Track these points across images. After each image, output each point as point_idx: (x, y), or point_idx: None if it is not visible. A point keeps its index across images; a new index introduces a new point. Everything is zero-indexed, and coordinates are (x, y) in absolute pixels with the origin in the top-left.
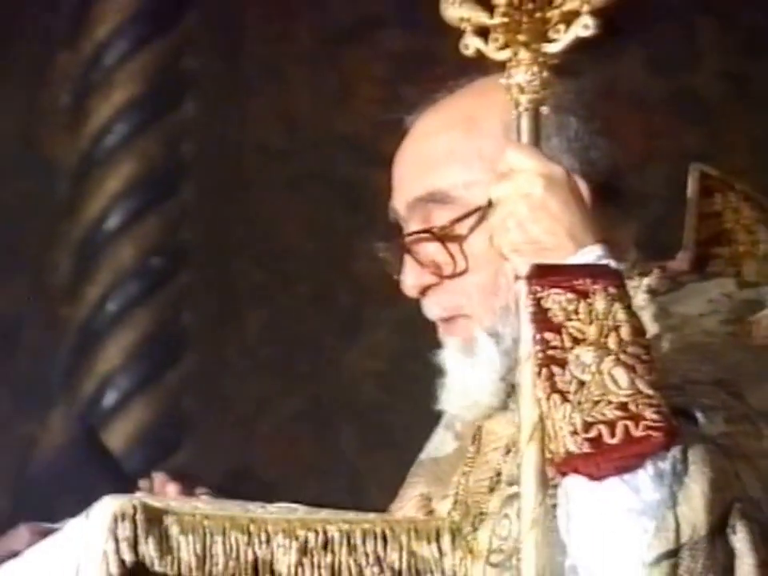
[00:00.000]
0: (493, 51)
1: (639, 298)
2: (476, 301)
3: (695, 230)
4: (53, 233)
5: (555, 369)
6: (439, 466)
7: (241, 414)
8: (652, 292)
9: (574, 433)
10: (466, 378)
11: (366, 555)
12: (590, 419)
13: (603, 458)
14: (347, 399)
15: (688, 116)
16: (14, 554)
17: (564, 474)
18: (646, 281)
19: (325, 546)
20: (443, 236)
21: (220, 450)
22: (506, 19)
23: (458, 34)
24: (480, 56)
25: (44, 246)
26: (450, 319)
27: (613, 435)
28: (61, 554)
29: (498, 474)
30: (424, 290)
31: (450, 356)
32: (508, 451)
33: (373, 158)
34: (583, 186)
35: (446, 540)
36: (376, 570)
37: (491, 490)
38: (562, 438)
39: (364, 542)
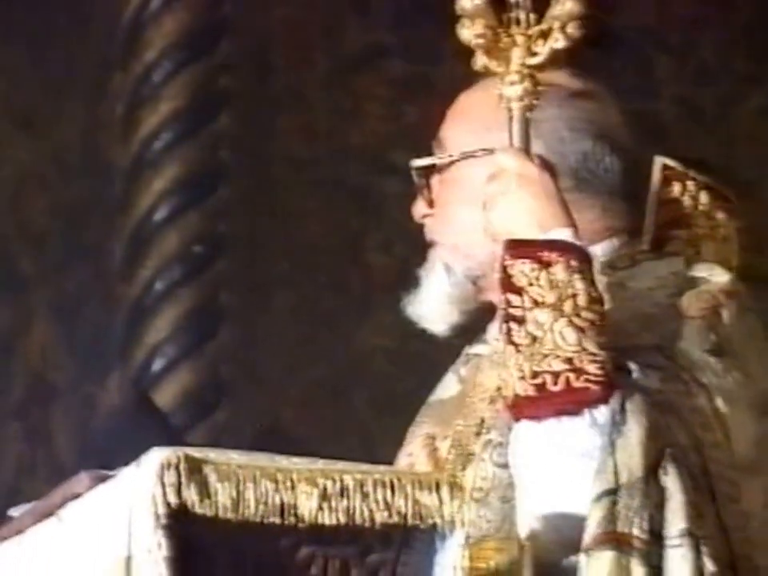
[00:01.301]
0: (493, 65)
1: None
2: (442, 232)
3: (655, 213)
4: (110, 224)
5: (513, 325)
6: (444, 407)
7: (270, 380)
8: (612, 267)
9: (522, 378)
10: (423, 296)
11: (377, 501)
12: (537, 369)
13: (545, 402)
14: (360, 370)
15: (649, 136)
16: (76, 496)
17: (514, 418)
18: (612, 257)
19: (341, 493)
20: (429, 173)
21: (253, 410)
22: (480, 41)
23: (450, 62)
24: (485, 69)
25: (102, 235)
26: (431, 244)
27: (555, 384)
28: (116, 496)
29: (483, 422)
30: (423, 217)
31: (422, 275)
32: (491, 401)
33: (380, 166)
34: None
35: (444, 490)
36: (385, 514)
37: (477, 434)
38: (512, 383)
39: (375, 490)
